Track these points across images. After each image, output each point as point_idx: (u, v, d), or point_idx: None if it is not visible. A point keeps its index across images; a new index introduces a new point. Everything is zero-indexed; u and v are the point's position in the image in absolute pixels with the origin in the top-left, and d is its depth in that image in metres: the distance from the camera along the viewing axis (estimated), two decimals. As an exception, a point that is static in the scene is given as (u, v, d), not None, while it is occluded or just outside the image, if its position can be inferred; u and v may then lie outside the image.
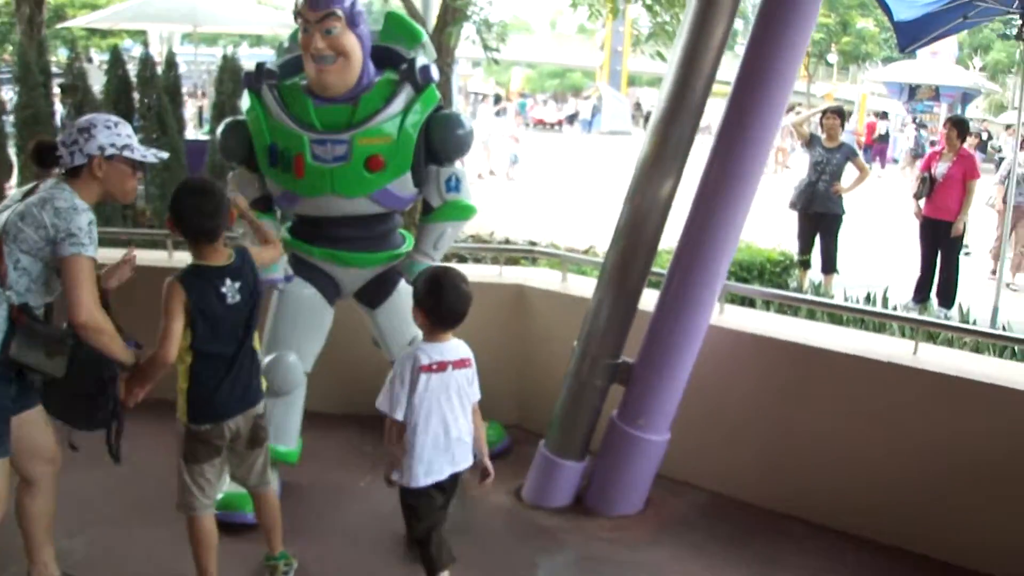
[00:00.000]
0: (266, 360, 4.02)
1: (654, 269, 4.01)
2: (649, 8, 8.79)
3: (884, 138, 27.21)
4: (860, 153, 9.32)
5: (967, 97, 29.25)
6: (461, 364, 3.23)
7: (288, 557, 3.51)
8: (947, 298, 8.36)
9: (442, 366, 3.16)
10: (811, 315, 5.15)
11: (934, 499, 3.81)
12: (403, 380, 3.12)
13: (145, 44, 18.46)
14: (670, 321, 3.90)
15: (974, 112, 31.30)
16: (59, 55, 17.57)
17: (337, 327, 4.18)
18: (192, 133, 12.88)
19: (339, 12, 3.70)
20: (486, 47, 7.85)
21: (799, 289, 7.30)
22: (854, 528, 3.97)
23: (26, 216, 2.93)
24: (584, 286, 4.80)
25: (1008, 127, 21.91)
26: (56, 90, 9.05)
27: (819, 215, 8.53)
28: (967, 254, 10.74)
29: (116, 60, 8.74)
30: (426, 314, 3.17)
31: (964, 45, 36.51)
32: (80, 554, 3.63)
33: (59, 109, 8.87)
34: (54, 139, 3.12)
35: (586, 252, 7.84)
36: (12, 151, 8.62)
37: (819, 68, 40.40)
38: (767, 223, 8.26)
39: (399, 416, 3.12)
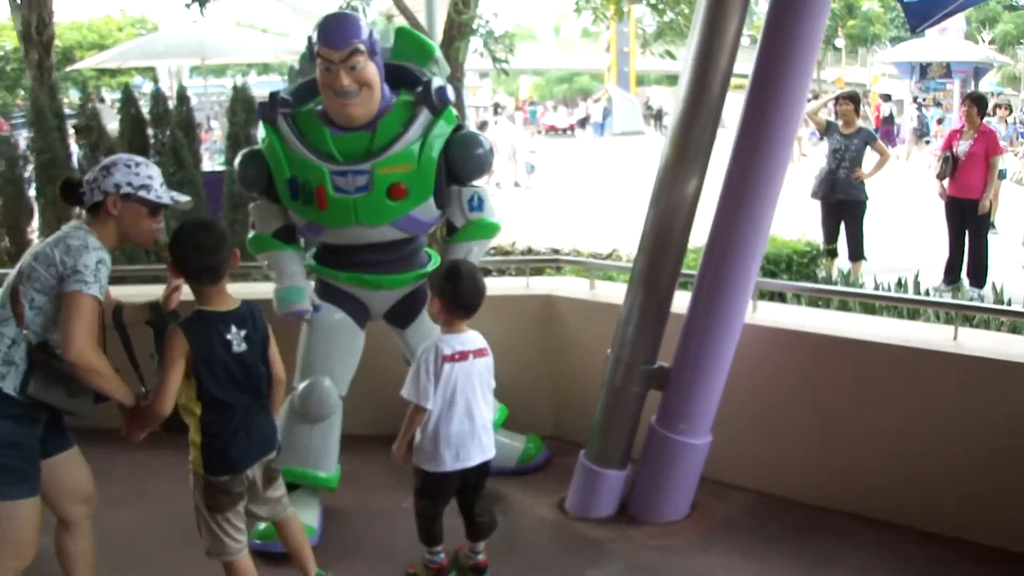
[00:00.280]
0: (301, 386, 4.02)
1: (684, 270, 3.96)
2: (654, 7, 8.76)
3: (889, 119, 27.08)
4: (878, 137, 9.24)
5: (979, 72, 28.96)
6: (480, 353, 3.45)
7: (324, 574, 3.45)
8: (978, 278, 8.26)
9: (463, 355, 3.37)
10: (843, 305, 5.08)
11: (987, 485, 3.73)
12: (428, 370, 3.31)
13: (155, 80, 18.61)
14: (704, 322, 3.85)
15: (985, 87, 31.03)
16: (71, 96, 17.75)
17: (369, 349, 4.16)
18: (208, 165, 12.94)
19: (362, 47, 3.66)
20: (495, 59, 7.83)
21: (828, 279, 7.22)
22: (908, 520, 3.90)
23: (39, 256, 2.96)
24: (613, 292, 4.76)
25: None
26: (71, 131, 9.11)
27: (842, 203, 8.46)
28: (995, 233, 10.63)
29: (128, 98, 8.77)
30: (444, 304, 3.39)
31: (971, 19, 36.26)
32: (127, 595, 3.63)
33: (75, 151, 8.92)
34: (81, 177, 3.16)
35: (609, 256, 7.82)
36: (32, 195, 8.68)
37: (827, 54, 40.21)
38: (790, 214, 8.19)
39: (428, 405, 3.31)
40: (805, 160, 20.45)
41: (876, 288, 6.62)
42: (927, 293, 6.85)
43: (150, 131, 8.53)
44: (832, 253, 8.31)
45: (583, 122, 37.85)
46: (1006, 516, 3.71)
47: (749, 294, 3.92)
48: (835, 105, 8.93)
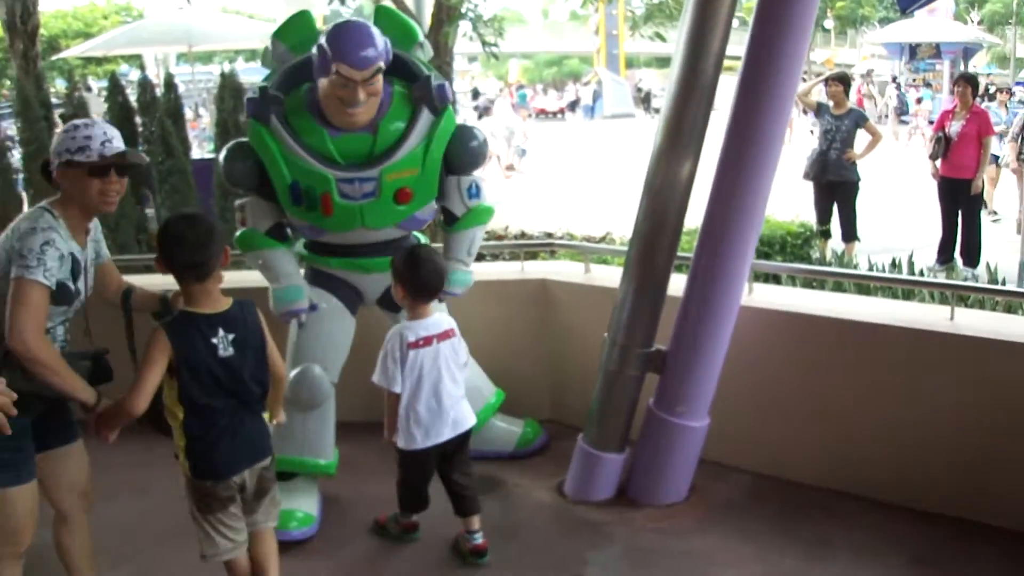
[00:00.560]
0: (292, 374, 3.99)
1: (680, 253, 3.95)
2: (643, -11, 8.73)
3: (870, 100, 27.18)
4: (869, 117, 9.24)
5: (968, 52, 29.03)
6: (445, 336, 3.57)
7: None
8: (971, 257, 8.29)
9: (428, 341, 3.51)
10: (838, 287, 5.09)
11: (982, 465, 3.74)
12: (395, 357, 3.47)
13: (142, 67, 18.49)
14: (700, 305, 3.84)
15: (975, 68, 31.08)
16: (57, 86, 17.63)
17: (360, 335, 4.14)
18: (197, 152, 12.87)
19: (382, 64, 3.61)
20: (484, 43, 7.79)
21: (822, 260, 7.23)
22: (905, 500, 3.91)
23: (1, 241, 2.86)
24: (608, 276, 4.75)
25: None
26: (58, 120, 9.05)
27: (834, 184, 8.46)
28: (996, 220, 10.68)
29: (115, 86, 8.72)
30: (406, 289, 3.52)
31: (960, 0, 36.25)
32: (126, 585, 3.62)
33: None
34: None
35: (603, 239, 7.81)
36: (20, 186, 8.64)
37: (816, 35, 40.17)
38: (783, 195, 8.20)
39: (397, 389, 3.48)
40: (796, 142, 20.48)
41: (871, 269, 6.63)
42: (921, 273, 6.86)
43: (138, 119, 8.49)
44: (825, 234, 8.32)
45: (573, 105, 37.80)
46: (1002, 495, 3.72)
47: (745, 276, 3.91)
48: (825, 86, 8.92)
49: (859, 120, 8.54)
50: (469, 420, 3.67)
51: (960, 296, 4.31)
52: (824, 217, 8.51)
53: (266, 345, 3.00)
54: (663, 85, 36.21)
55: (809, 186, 8.76)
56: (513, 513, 4.08)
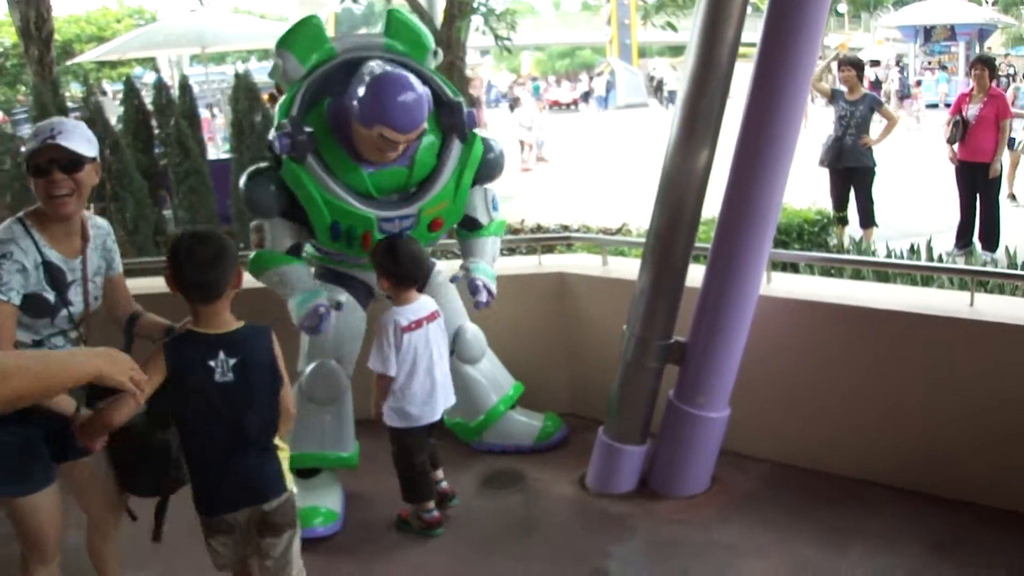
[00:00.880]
0: (307, 370, 4.03)
1: (697, 244, 3.94)
2: (655, -21, 8.71)
3: (877, 84, 27.10)
4: (884, 102, 9.17)
5: (983, 33, 28.76)
6: (432, 317, 3.78)
7: None
8: (991, 241, 8.22)
9: (418, 324, 3.71)
10: (857, 274, 5.06)
11: (1006, 450, 3.71)
12: (389, 342, 3.65)
13: (156, 70, 18.58)
14: (719, 296, 3.83)
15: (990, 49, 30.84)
16: (72, 90, 17.74)
17: (373, 328, 4.15)
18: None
19: (426, 124, 3.63)
20: (497, 37, 7.79)
21: (840, 247, 7.19)
22: (928, 487, 3.89)
23: None
24: (626, 268, 4.74)
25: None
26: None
27: (849, 170, 8.42)
28: (1017, 205, 10.58)
29: (130, 90, 8.78)
30: (391, 279, 3.69)
31: (975, -20, 35.91)
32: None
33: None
34: None
35: (619, 231, 7.78)
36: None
37: (830, 19, 39.86)
38: (800, 182, 8.15)
39: (392, 372, 3.67)
40: (811, 127, 20.36)
41: (889, 255, 6.59)
42: (940, 259, 6.82)
43: (154, 122, 8.54)
44: (842, 220, 8.28)
45: (586, 96, 37.70)
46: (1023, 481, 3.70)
47: (763, 265, 3.90)
48: (838, 72, 8.86)
49: (873, 105, 8.48)
50: (452, 397, 3.94)
51: (980, 281, 4.29)
52: (841, 204, 8.47)
53: (277, 377, 2.76)
54: (677, 74, 36.17)
55: (825, 173, 8.71)
56: (535, 507, 4.09)
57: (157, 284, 4.99)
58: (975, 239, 8.40)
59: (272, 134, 3.71)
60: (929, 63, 27.69)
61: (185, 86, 9.15)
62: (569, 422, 4.70)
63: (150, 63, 25.14)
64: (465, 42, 7.97)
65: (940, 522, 3.72)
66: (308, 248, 4.10)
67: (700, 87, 3.72)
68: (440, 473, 4.07)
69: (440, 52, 4.09)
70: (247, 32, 17.17)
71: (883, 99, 24.79)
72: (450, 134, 3.88)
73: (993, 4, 34.36)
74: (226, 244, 2.71)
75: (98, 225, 3.08)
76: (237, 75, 8.85)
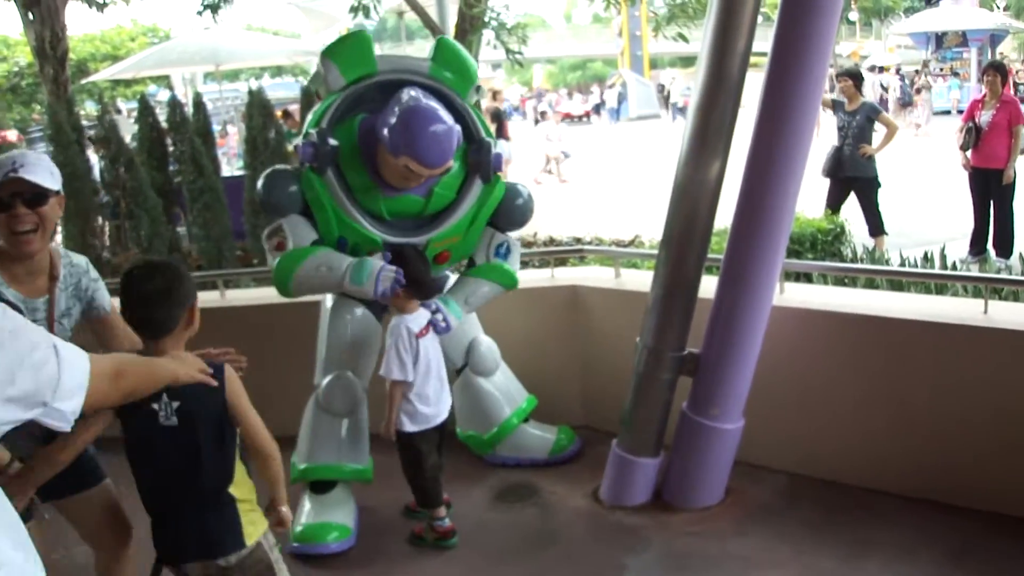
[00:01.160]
0: (324, 381, 4.04)
1: (710, 255, 3.94)
2: (665, -10, 8.71)
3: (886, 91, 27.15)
4: (883, 110, 9.14)
5: (995, 39, 28.64)
6: (430, 325, 3.83)
7: None
8: (1005, 248, 8.18)
9: (425, 330, 3.79)
10: (870, 283, 5.05)
11: (1022, 458, 3.69)
12: (406, 348, 3.70)
13: (170, 87, 18.70)
14: (732, 306, 3.83)
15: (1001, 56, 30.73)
16: (87, 108, 17.88)
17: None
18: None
19: (453, 162, 3.65)
20: (508, 51, 7.81)
21: (853, 254, 7.16)
22: (944, 497, 3.87)
23: None
24: (639, 280, 4.74)
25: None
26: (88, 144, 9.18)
27: (850, 179, 8.42)
28: None
29: (145, 108, 8.85)
30: (405, 292, 3.69)
31: (985, -14, 35.80)
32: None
33: (95, 162, 8.98)
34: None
35: (632, 242, 7.78)
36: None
37: (842, 28, 39.80)
38: (812, 192, 8.13)
39: (411, 377, 3.72)
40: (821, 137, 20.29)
41: (903, 264, 6.57)
42: (954, 267, 6.79)
43: (168, 140, 8.60)
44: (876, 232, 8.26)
45: (598, 108, 37.70)
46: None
47: (776, 276, 3.89)
48: (837, 82, 8.87)
49: (871, 114, 8.47)
50: (451, 398, 4.00)
51: (994, 289, 4.27)
52: (833, 211, 8.42)
53: (227, 421, 2.53)
54: (687, 84, 36.18)
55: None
56: (549, 520, 4.08)
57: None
58: (989, 246, 8.36)
59: (299, 140, 3.74)
60: (941, 69, 27.59)
61: (199, 103, 9.21)
62: (582, 435, 4.69)
63: (164, 81, 25.33)
64: (477, 56, 8.00)
65: (954, 531, 3.70)
66: None
67: (712, 97, 3.73)
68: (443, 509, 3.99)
69: (483, 88, 4.10)
70: (260, 49, 17.30)
71: (885, 107, 24.94)
72: (474, 172, 3.88)
73: (1005, 9, 34.26)
74: (178, 278, 2.48)
75: (73, 264, 2.95)
76: (251, 92, 8.91)
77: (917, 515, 3.83)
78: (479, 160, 3.86)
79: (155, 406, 2.43)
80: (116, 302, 2.72)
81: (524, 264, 5.71)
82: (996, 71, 8.54)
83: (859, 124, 8.33)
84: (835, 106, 8.62)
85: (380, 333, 4.12)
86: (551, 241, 8.16)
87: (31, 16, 9.63)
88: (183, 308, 2.47)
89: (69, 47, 10.20)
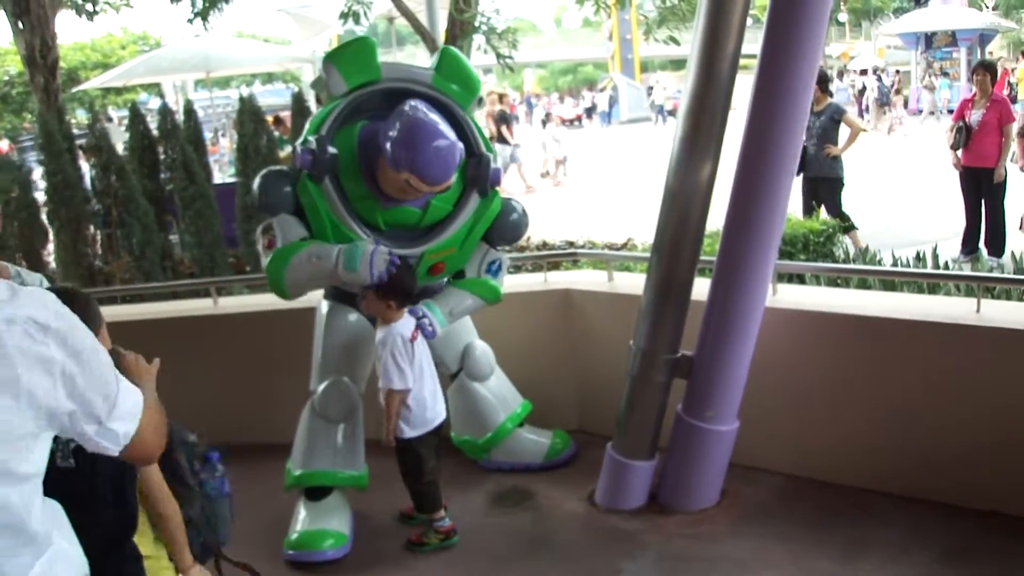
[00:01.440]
0: (320, 388, 4.04)
1: (702, 257, 3.94)
2: (655, -7, 8.72)
3: (862, 92, 27.32)
4: (848, 110, 9.16)
5: (984, 39, 28.72)
6: (418, 328, 3.81)
7: None
8: (997, 247, 8.19)
9: (415, 334, 3.77)
10: (863, 283, 5.06)
11: (1017, 457, 3.69)
12: (404, 354, 3.69)
13: (161, 95, 18.65)
14: (725, 308, 3.83)
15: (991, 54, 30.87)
16: (78, 117, 17.86)
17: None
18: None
19: (453, 179, 3.65)
20: (499, 55, 7.81)
21: (846, 256, 7.17)
22: (939, 496, 3.87)
23: None
24: (632, 283, 4.74)
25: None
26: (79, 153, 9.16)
27: (815, 180, 8.45)
28: None
29: (136, 116, 8.82)
30: (390, 298, 3.69)
31: (974, -15, 35.92)
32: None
33: (86, 171, 8.96)
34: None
35: (624, 246, 7.79)
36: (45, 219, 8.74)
37: (831, 29, 39.93)
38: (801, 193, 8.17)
39: (411, 384, 3.71)
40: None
41: (895, 264, 6.58)
42: (946, 266, 6.81)
43: (159, 148, 8.58)
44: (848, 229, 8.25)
45: (589, 112, 37.73)
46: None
47: (769, 277, 3.90)
48: None
49: (836, 115, 8.50)
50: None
51: (986, 287, 4.28)
52: (807, 210, 8.43)
53: (128, 467, 2.25)
54: (678, 87, 36.15)
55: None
56: (545, 524, 4.08)
57: (164, 309, 5.02)
58: (981, 245, 8.38)
59: (297, 146, 3.72)
60: (873, 71, 27.77)
61: (190, 111, 9.18)
62: (577, 439, 4.69)
63: (155, 89, 25.27)
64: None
65: (951, 530, 3.71)
66: None
67: (702, 100, 3.73)
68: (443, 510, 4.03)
69: (485, 99, 4.09)
70: (251, 56, 17.30)
71: (868, 106, 25.13)
72: (472, 185, 3.87)
73: (994, 9, 34.39)
74: (86, 308, 2.19)
75: (24, 282, 2.83)
76: (242, 99, 8.88)
77: (913, 514, 3.83)
78: (478, 174, 3.85)
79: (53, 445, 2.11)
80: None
81: (517, 268, 5.74)
82: (986, 70, 8.56)
83: (823, 125, 8.36)
84: None
85: (375, 339, 4.11)
86: (544, 245, 8.17)
87: (21, 25, 9.60)
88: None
89: (59, 55, 10.17)
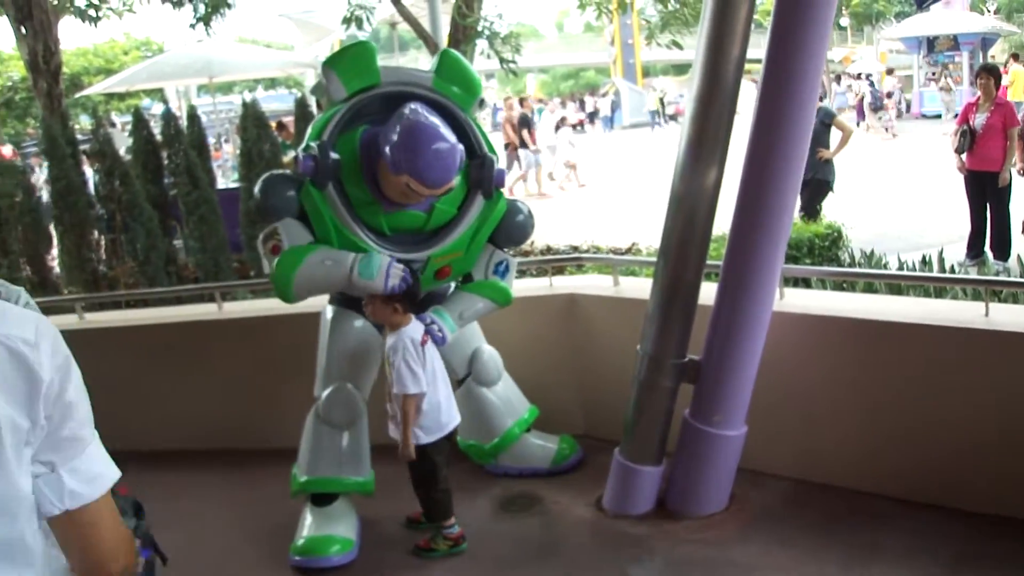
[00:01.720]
0: (324, 394, 4.02)
1: (709, 261, 3.93)
2: (659, -2, 8.72)
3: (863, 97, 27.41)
4: (837, 114, 9.15)
5: (986, 43, 28.69)
6: (427, 333, 3.79)
7: None
8: (1003, 251, 8.18)
9: (425, 338, 3.75)
10: (869, 287, 5.05)
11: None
12: (416, 358, 3.66)
13: (164, 100, 18.69)
14: (732, 312, 3.81)
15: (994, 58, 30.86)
16: (81, 122, 17.88)
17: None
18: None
19: (455, 182, 3.63)
20: (502, 60, 7.82)
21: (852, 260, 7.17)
22: (948, 501, 3.85)
23: None
24: (637, 287, 4.73)
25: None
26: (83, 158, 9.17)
27: (806, 182, 8.43)
28: None
29: (139, 121, 8.83)
30: (395, 302, 3.66)
31: (976, -11, 35.92)
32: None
33: (90, 176, 8.97)
34: None
35: (629, 250, 7.78)
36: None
37: (833, 33, 39.90)
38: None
39: (425, 388, 3.68)
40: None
41: (901, 267, 6.57)
42: (952, 270, 6.79)
43: (163, 153, 8.59)
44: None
45: (592, 117, 37.75)
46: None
47: (776, 281, 3.88)
48: None
49: (825, 118, 8.48)
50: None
51: (993, 291, 4.26)
52: (808, 213, 8.43)
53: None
54: (680, 92, 36.16)
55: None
56: (552, 530, 4.07)
57: (168, 314, 5.01)
58: (986, 249, 8.36)
59: (299, 153, 3.70)
60: (933, 74, 27.66)
61: (193, 116, 9.19)
62: (584, 444, 4.67)
63: (158, 94, 25.30)
64: (470, 66, 8.00)
65: (960, 535, 3.69)
66: None
67: (707, 104, 3.72)
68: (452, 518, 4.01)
69: (486, 100, 4.09)
70: (253, 61, 17.33)
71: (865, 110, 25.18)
72: (476, 188, 3.86)
73: (995, 13, 34.41)
74: None
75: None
76: (245, 104, 8.89)
77: (921, 519, 3.81)
78: (481, 176, 3.83)
79: None
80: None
81: (522, 273, 5.72)
82: (989, 74, 8.55)
83: (814, 128, 8.32)
84: None
85: (381, 344, 4.09)
86: (548, 250, 8.15)
87: (24, 30, 9.60)
88: None
89: (62, 61, 10.17)
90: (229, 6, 9.47)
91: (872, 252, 7.23)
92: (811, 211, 8.42)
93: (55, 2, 10.15)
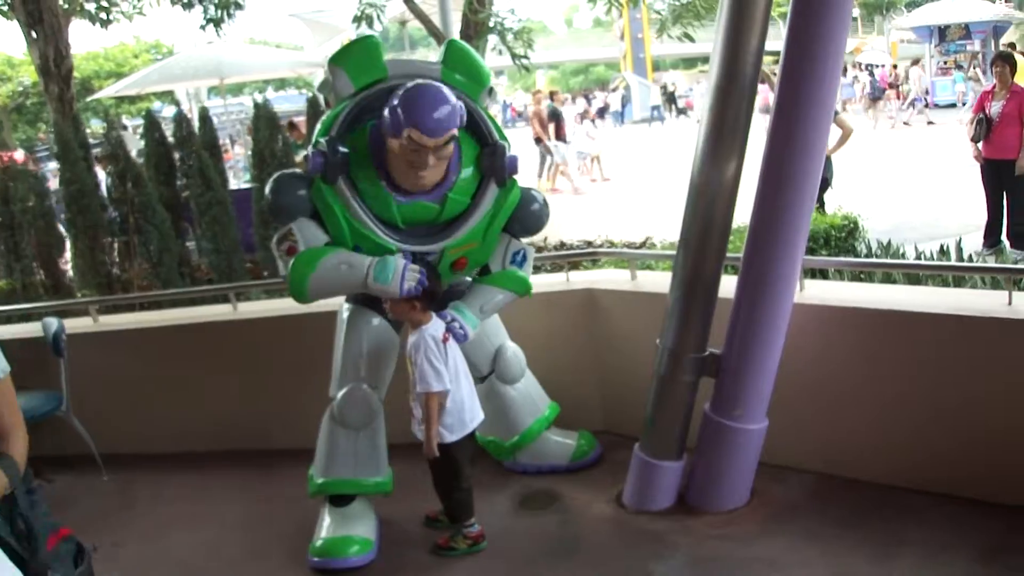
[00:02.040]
0: (339, 394, 3.99)
1: (729, 254, 3.89)
2: (670, -9, 8.68)
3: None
4: (840, 111, 9.08)
5: (998, 30, 28.52)
6: (449, 331, 3.77)
7: None
8: (1020, 239, 8.10)
9: (447, 334, 3.73)
10: (887, 277, 4.99)
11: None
12: (438, 356, 3.64)
13: (175, 103, 18.73)
14: (752, 305, 3.77)
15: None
16: (92, 126, 17.94)
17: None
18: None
19: (456, 132, 3.57)
20: (514, 56, 7.78)
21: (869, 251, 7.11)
22: (973, 492, 3.80)
23: None
24: (655, 281, 4.70)
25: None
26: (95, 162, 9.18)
27: None
28: None
29: (151, 123, 8.84)
30: (420, 304, 3.66)
31: (987, -22, 35.66)
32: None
33: (102, 179, 8.98)
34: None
35: (643, 244, 7.74)
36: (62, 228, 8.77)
37: (843, 24, 39.67)
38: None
39: (448, 385, 3.65)
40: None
41: (919, 257, 6.51)
42: (970, 259, 6.73)
43: (176, 155, 8.60)
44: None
45: (602, 112, 37.68)
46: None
47: (796, 273, 3.84)
48: None
49: None
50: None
51: (1014, 280, 4.21)
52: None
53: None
54: (689, 85, 36.10)
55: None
56: (572, 526, 4.04)
57: (183, 315, 5.00)
58: (1003, 237, 8.29)
59: (308, 150, 3.67)
60: (945, 63, 27.49)
61: (205, 117, 9.19)
62: (603, 440, 4.64)
63: (168, 97, 25.39)
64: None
65: (986, 528, 3.63)
66: None
67: (725, 96, 3.68)
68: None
69: (496, 91, 4.05)
70: (263, 62, 17.35)
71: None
72: (488, 176, 3.82)
73: (1007, 1, 34.19)
74: None
75: None
76: (256, 105, 8.89)
77: (946, 512, 3.76)
78: (493, 164, 3.80)
79: None
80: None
81: (537, 268, 5.69)
82: (1005, 61, 8.47)
83: None
84: None
85: (398, 344, 4.06)
86: (562, 245, 8.12)
87: (35, 35, 9.63)
88: None
89: (73, 65, 10.20)
90: (239, 7, 9.48)
91: (889, 243, 7.17)
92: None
93: (65, 6, 10.17)
